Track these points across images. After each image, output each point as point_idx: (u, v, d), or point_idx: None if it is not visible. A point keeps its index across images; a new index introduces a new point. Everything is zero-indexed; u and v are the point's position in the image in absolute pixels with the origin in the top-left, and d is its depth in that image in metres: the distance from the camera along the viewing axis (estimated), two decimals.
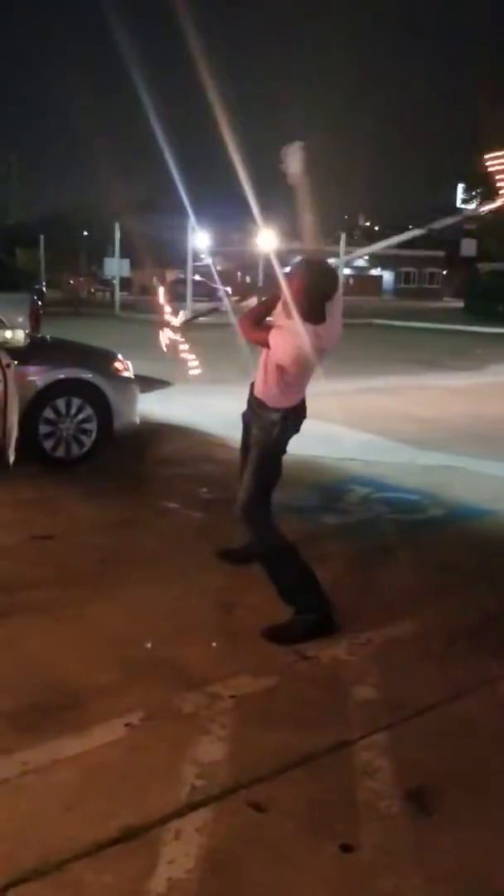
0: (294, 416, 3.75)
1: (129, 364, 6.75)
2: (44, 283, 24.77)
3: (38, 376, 6.01)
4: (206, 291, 43.05)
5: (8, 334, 5.87)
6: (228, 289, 44.44)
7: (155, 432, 7.68)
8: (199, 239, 45.14)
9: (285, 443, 3.76)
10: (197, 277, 45.27)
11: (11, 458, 5.28)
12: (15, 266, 10.73)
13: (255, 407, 3.78)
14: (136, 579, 4.13)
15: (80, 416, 6.26)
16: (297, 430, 3.80)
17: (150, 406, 8.86)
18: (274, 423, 3.68)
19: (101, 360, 6.59)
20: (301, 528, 5.01)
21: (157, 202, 43.81)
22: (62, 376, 6.12)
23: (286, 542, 3.70)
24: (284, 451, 3.77)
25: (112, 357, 6.67)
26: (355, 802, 2.48)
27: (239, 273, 46.96)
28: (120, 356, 6.74)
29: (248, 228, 37.45)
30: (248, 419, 3.91)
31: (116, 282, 30.98)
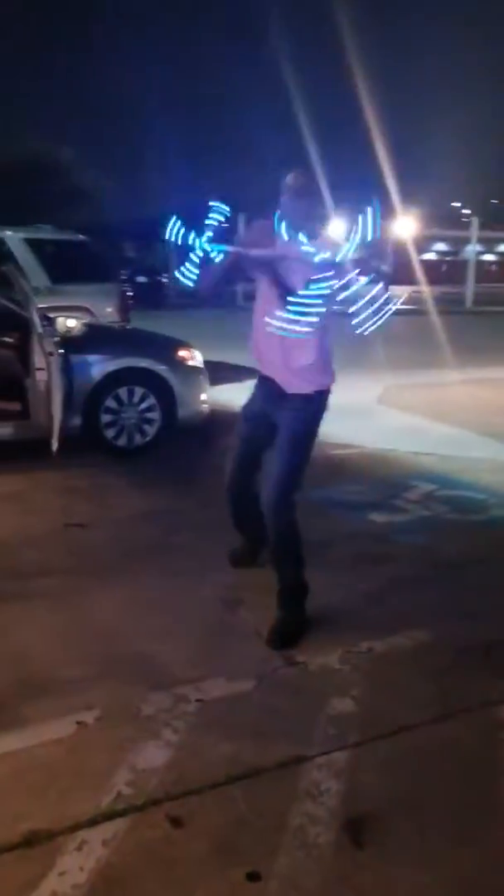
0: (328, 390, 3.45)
1: (197, 353, 6.67)
2: (165, 276, 25.17)
3: (99, 365, 6.04)
4: None
5: (70, 323, 5.94)
6: (362, 278, 43.87)
7: (228, 423, 7.56)
8: (334, 227, 44.80)
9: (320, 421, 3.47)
10: None
11: (55, 446, 5.33)
12: (108, 257, 10.92)
13: (286, 396, 3.39)
14: (151, 571, 4.05)
15: (143, 406, 6.25)
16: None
17: (233, 396, 8.78)
18: (310, 400, 3.38)
19: (165, 348, 6.55)
20: (343, 526, 4.81)
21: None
22: (123, 365, 6.12)
23: (300, 546, 3.49)
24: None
25: (177, 346, 6.62)
26: (284, 826, 2.28)
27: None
28: (188, 345, 6.67)
29: (386, 215, 36.66)
30: (265, 408, 3.53)
31: None
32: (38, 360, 5.52)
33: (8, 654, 3.20)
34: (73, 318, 5.95)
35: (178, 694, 2.93)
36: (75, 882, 2.05)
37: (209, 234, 3.15)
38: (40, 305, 6.14)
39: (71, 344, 5.80)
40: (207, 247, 3.14)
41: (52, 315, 5.96)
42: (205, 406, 6.62)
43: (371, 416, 8.23)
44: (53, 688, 2.96)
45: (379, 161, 31.64)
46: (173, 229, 3.14)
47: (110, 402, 6.13)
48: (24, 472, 5.69)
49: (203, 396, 6.59)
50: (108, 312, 8.74)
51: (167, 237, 3.17)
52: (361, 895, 2.05)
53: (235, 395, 8.75)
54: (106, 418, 6.14)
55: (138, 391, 6.22)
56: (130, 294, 9.79)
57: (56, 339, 5.56)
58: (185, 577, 3.99)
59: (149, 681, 3.01)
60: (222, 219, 3.22)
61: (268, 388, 3.49)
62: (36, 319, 5.49)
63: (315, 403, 3.41)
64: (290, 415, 3.39)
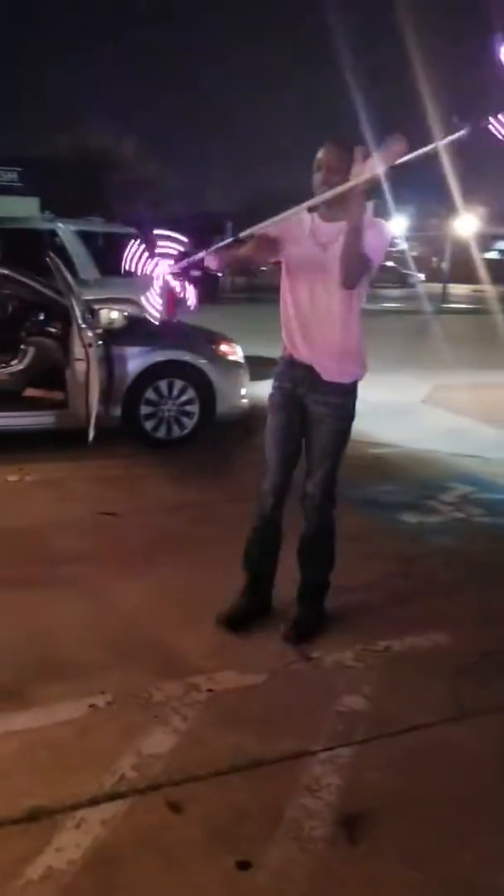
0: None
1: (238, 348, 6.71)
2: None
3: (140, 357, 6.12)
4: (397, 277, 42.31)
5: (113, 315, 6.03)
6: (422, 275, 43.43)
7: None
8: (395, 223, 44.38)
9: None
10: (389, 263, 44.62)
11: (91, 435, 5.42)
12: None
13: (323, 386, 3.21)
14: (174, 562, 4.10)
15: (182, 398, 6.32)
16: None
17: None
18: (349, 392, 3.26)
19: (206, 342, 6.60)
20: (374, 525, 4.80)
21: None
22: (163, 358, 6.20)
23: (335, 545, 3.50)
24: None
25: (218, 340, 6.67)
26: (280, 818, 2.30)
27: (434, 259, 45.65)
28: (229, 339, 6.71)
29: (446, 213, 36.18)
30: (295, 391, 3.27)
31: None
32: (78, 350, 5.63)
33: (31, 636, 3.29)
34: (115, 310, 6.03)
35: (190, 683, 2.97)
36: (70, 858, 2.11)
37: (168, 263, 3.12)
38: (89, 297, 6.25)
39: (113, 336, 5.89)
40: (170, 278, 3.13)
41: (95, 307, 6.06)
42: (244, 401, 6.65)
43: (415, 415, 8.17)
44: (70, 671, 3.03)
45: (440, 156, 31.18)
46: (130, 255, 3.12)
47: (150, 394, 6.21)
48: (63, 460, 5.81)
49: (242, 391, 6.62)
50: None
51: (125, 265, 3.15)
52: (348, 889, 2.06)
53: None
54: (146, 410, 6.22)
55: (178, 384, 6.29)
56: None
57: (98, 330, 5.66)
58: (207, 569, 4.02)
59: (163, 669, 3.07)
60: (180, 248, 3.14)
61: (301, 374, 3.26)
62: (76, 310, 5.59)
63: (352, 395, 3.31)
64: (329, 411, 3.25)
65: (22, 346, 6.47)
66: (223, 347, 6.56)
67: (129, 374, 6.09)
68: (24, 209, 19.75)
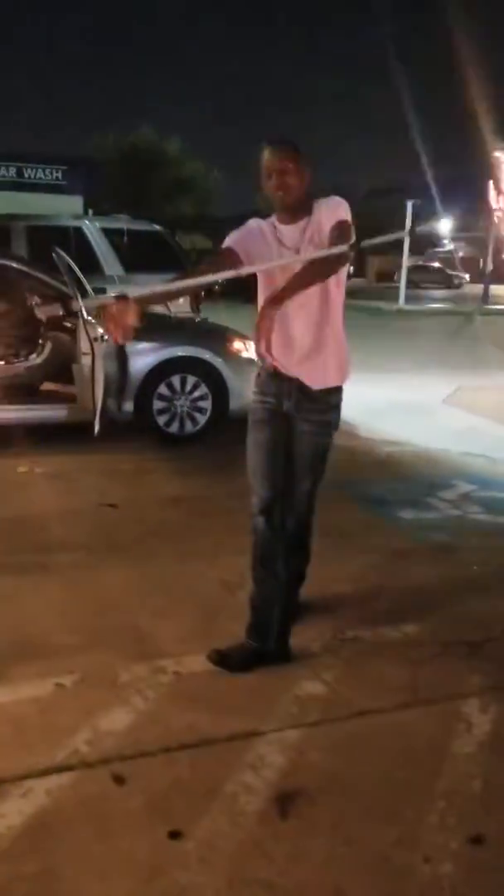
0: None
1: (252, 345, 6.80)
2: None
3: (153, 353, 6.26)
4: (442, 278, 41.96)
5: None
6: (467, 276, 42.98)
7: None
8: (443, 224, 43.96)
9: None
10: (435, 264, 44.22)
11: (97, 429, 5.57)
12: (181, 247, 11.08)
13: (311, 400, 3.07)
14: (165, 552, 4.22)
15: (195, 394, 6.44)
16: None
17: None
18: (336, 406, 3.14)
19: (219, 339, 6.71)
20: (370, 519, 4.87)
21: (408, 187, 43.16)
22: (176, 354, 6.33)
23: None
24: None
25: (232, 336, 6.77)
26: (218, 793, 2.39)
27: (482, 261, 45.09)
28: (243, 336, 6.81)
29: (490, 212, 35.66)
30: (280, 405, 3.08)
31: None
32: (84, 344, 5.77)
33: (10, 619, 3.44)
34: None
35: (157, 666, 3.08)
36: (11, 824, 2.23)
37: None
38: (113, 294, 6.37)
39: None
40: None
41: None
42: None
43: (432, 415, 8.17)
44: (43, 652, 3.16)
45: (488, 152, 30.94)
46: None
47: (163, 390, 6.34)
48: (73, 453, 5.98)
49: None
50: (179, 303, 8.95)
51: None
52: (271, 861, 2.14)
53: None
54: (158, 405, 6.36)
55: (191, 380, 6.41)
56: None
57: None
58: (196, 559, 4.13)
59: (134, 653, 3.18)
60: None
61: (287, 388, 3.09)
62: (82, 305, 5.74)
63: (338, 408, 3.17)
64: (316, 428, 3.11)
65: (40, 341, 6.65)
66: (237, 345, 6.66)
67: (142, 369, 6.22)
68: (68, 208, 20.11)
